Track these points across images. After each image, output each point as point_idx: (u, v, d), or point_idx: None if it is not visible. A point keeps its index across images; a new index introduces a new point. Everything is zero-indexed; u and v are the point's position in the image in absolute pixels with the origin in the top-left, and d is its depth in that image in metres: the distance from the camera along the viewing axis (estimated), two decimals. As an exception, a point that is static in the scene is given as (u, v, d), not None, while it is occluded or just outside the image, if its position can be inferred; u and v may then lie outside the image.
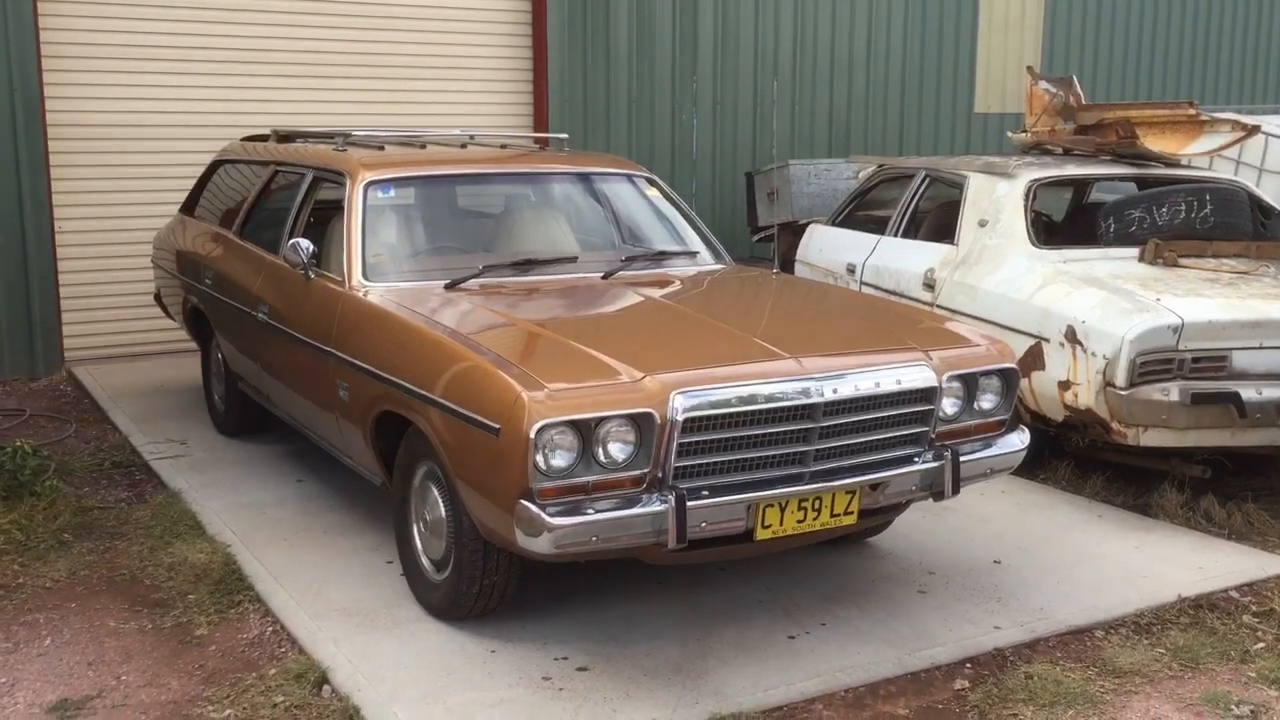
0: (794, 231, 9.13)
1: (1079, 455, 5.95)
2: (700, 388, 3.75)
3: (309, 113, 9.05)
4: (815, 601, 4.49)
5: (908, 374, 4.09)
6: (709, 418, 3.73)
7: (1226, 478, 5.78)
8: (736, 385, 3.80)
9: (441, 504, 4.16)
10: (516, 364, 3.79)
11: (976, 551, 5.02)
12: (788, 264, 8.53)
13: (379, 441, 4.55)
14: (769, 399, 3.81)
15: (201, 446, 6.51)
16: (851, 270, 7.32)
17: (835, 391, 3.91)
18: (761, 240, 10.07)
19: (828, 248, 7.76)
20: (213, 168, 7.20)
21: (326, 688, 3.83)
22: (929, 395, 4.12)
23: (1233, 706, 3.76)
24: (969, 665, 4.04)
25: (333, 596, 4.52)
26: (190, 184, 7.50)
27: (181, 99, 8.73)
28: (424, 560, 4.38)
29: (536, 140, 7.58)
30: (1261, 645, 4.20)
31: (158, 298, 7.76)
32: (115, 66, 8.51)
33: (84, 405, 7.60)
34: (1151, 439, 5.28)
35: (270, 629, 4.29)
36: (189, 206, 7.31)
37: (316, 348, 4.88)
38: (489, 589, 4.11)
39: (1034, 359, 5.64)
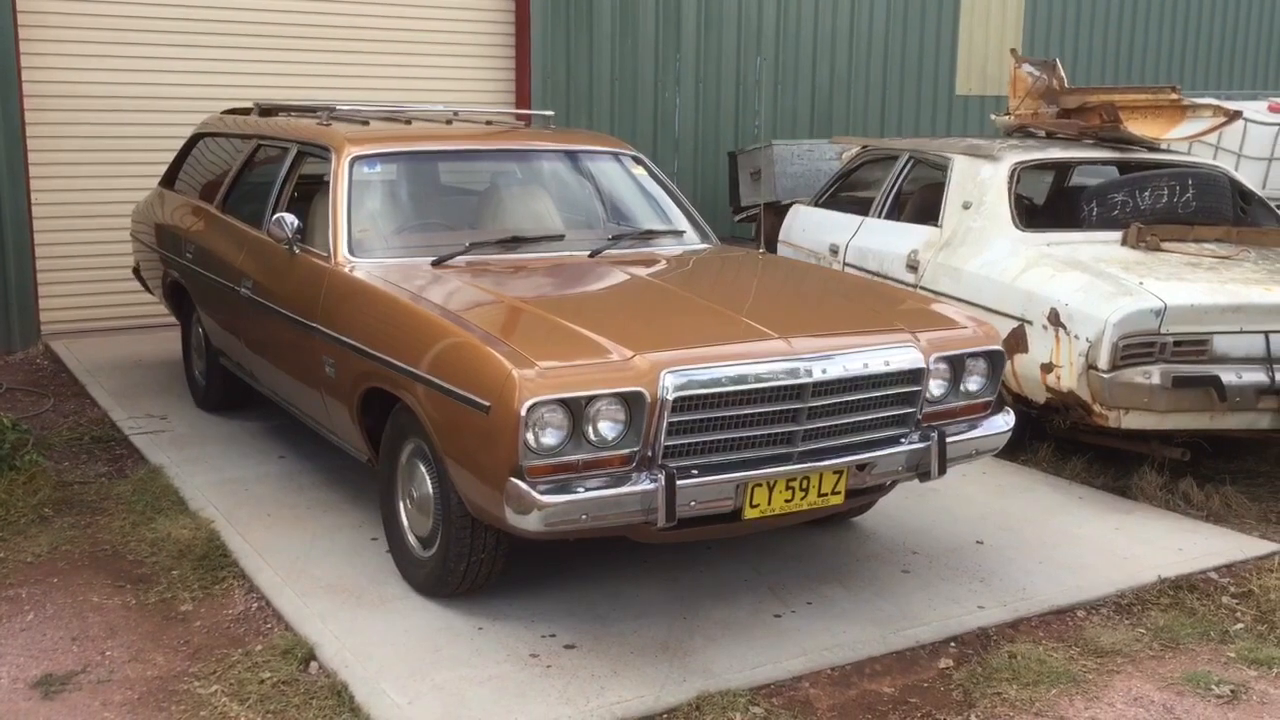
0: (776, 212, 9.13)
1: (1059, 437, 6.00)
2: (690, 367, 3.75)
3: (288, 86, 8.95)
4: (800, 580, 4.51)
5: (896, 355, 4.10)
6: (699, 397, 3.73)
7: (1204, 461, 5.84)
8: (726, 365, 3.80)
9: (429, 481, 4.16)
10: (507, 341, 3.78)
11: (959, 532, 5.06)
12: (770, 244, 8.53)
13: (365, 418, 4.53)
14: (759, 379, 3.81)
15: (182, 422, 6.47)
16: (835, 251, 7.33)
17: (824, 372, 3.91)
18: (743, 220, 10.07)
19: (811, 228, 7.77)
20: (193, 141, 7.13)
21: (313, 664, 3.82)
22: (916, 376, 4.14)
23: (1213, 686, 3.80)
24: (953, 644, 4.08)
25: (317, 573, 4.51)
26: (168, 157, 7.43)
27: (159, 70, 8.64)
28: (410, 537, 4.37)
29: (520, 117, 7.54)
30: (1240, 626, 4.26)
31: (136, 271, 7.69)
32: (93, 37, 8.41)
33: (61, 379, 7.53)
34: (1133, 421, 5.32)
35: (255, 605, 4.28)
36: (169, 180, 7.24)
37: (301, 323, 4.85)
38: (476, 566, 4.11)
39: (1017, 341, 5.66)
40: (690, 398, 3.72)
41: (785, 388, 3.86)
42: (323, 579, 4.46)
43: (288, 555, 4.67)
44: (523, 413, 3.52)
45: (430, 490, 4.16)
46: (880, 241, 6.96)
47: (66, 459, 5.89)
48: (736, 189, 10.04)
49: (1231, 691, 3.78)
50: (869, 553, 4.81)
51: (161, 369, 7.60)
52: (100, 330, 8.63)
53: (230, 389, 6.44)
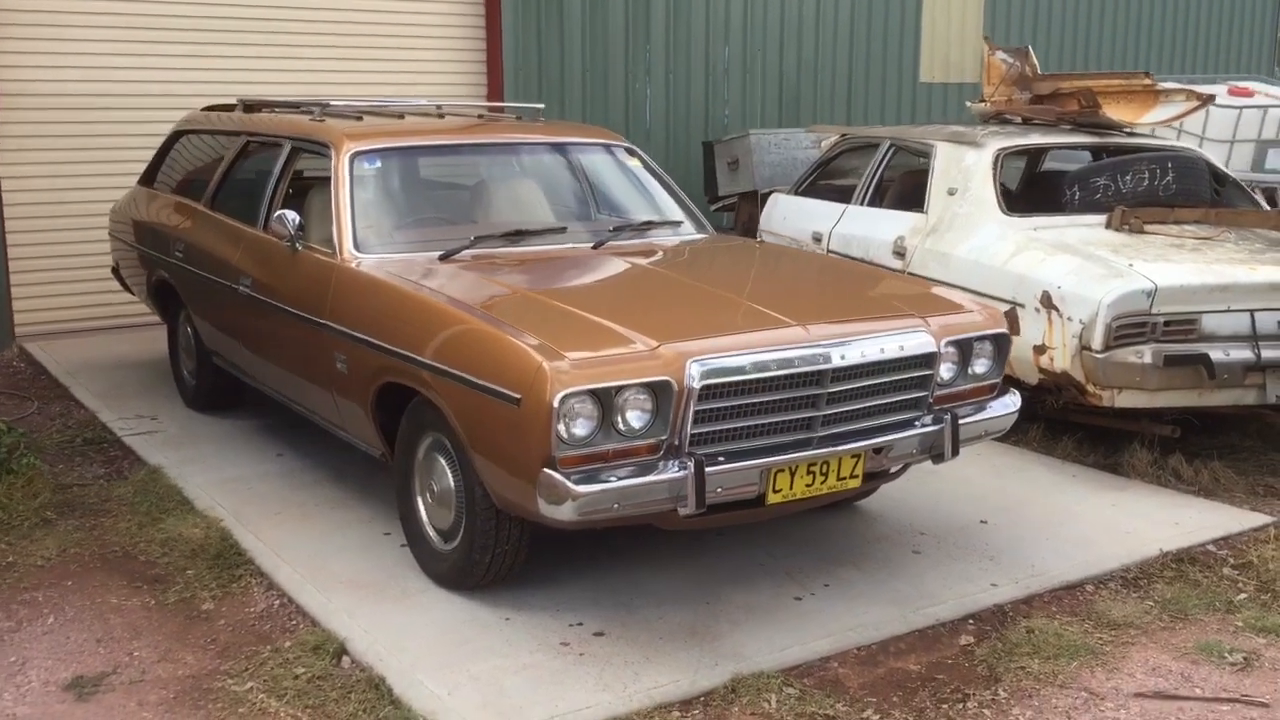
0: (754, 201, 9.22)
1: (1049, 417, 6.11)
2: (715, 355, 3.80)
3: (259, 82, 8.88)
4: (815, 564, 4.59)
5: (910, 340, 4.18)
6: (724, 385, 3.79)
7: (1190, 437, 5.97)
8: (749, 353, 3.86)
9: (450, 474, 4.18)
10: (534, 334, 3.80)
11: (962, 512, 5.15)
12: (749, 233, 8.61)
13: (379, 414, 4.54)
14: (781, 365, 3.87)
15: (173, 422, 6.42)
16: (818, 239, 7.40)
17: (843, 358, 3.98)
18: (720, 209, 10.13)
19: (792, 216, 7.84)
20: (173, 138, 7.07)
21: (346, 659, 3.84)
22: (929, 360, 4.22)
23: (1226, 654, 3.92)
24: (972, 621, 4.17)
25: (335, 569, 4.51)
26: (141, 155, 7.39)
27: (130, 67, 8.55)
28: (430, 531, 4.39)
29: (494, 109, 7.53)
30: (1244, 596, 4.38)
31: (115, 271, 7.61)
32: (65, 34, 8.30)
33: (42, 382, 7.44)
34: (1125, 400, 5.45)
35: (277, 602, 4.28)
36: (148, 178, 7.17)
37: (309, 320, 4.84)
38: (501, 557, 4.14)
39: (1009, 324, 5.75)
40: (716, 386, 3.77)
41: (806, 374, 3.92)
42: (342, 575, 4.46)
43: (302, 552, 4.67)
44: (555, 404, 3.56)
45: (452, 483, 4.18)
46: (865, 228, 7.04)
47: (60, 462, 5.83)
48: (714, 178, 10.10)
49: (1244, 659, 3.90)
50: (878, 535, 4.89)
51: (143, 369, 7.53)
52: (75, 331, 8.52)
53: (222, 388, 6.40)
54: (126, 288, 7.56)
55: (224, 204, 6.03)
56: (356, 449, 5.04)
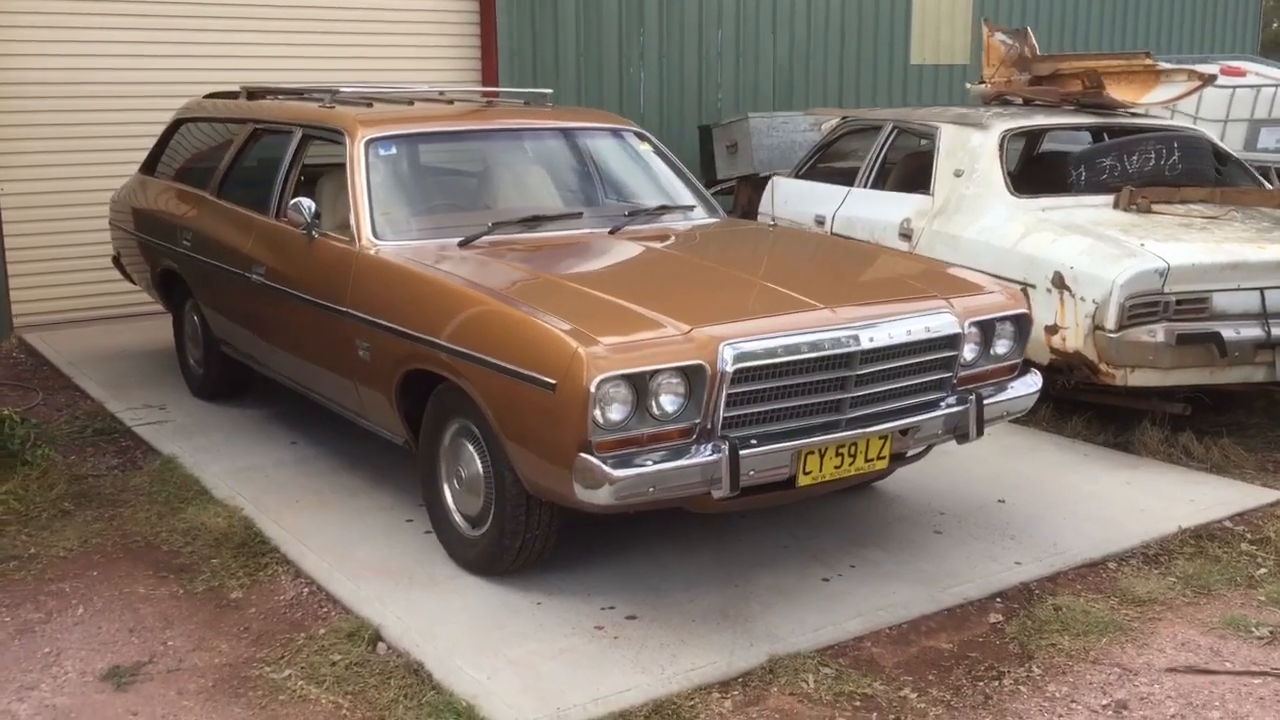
0: (753, 185, 9.23)
1: (1057, 396, 6.15)
2: (746, 339, 3.82)
3: (252, 70, 8.78)
4: (840, 545, 4.62)
5: (935, 321, 4.20)
6: (756, 368, 3.80)
7: (1198, 414, 6.02)
8: (780, 336, 3.87)
9: (478, 460, 4.18)
10: (566, 320, 3.80)
11: (979, 491, 5.19)
12: (748, 216, 8.62)
13: (403, 401, 4.53)
14: (811, 348, 3.89)
15: (181, 411, 6.39)
16: (820, 222, 7.42)
17: (871, 340, 4.00)
18: (718, 193, 10.13)
19: (793, 200, 7.85)
20: (175, 126, 7.02)
21: (381, 645, 3.85)
22: (954, 342, 4.25)
23: (1252, 628, 3.97)
24: (999, 599, 4.20)
25: (361, 556, 4.51)
26: (135, 144, 7.35)
27: (123, 55, 8.48)
28: (457, 518, 4.39)
29: (500, 95, 7.50)
30: (1264, 571, 4.44)
31: (116, 260, 7.56)
32: (57, 24, 8.23)
33: (44, 373, 7.40)
34: (1138, 379, 5.49)
35: (306, 590, 4.28)
36: (149, 166, 7.12)
37: (329, 309, 4.83)
38: (531, 543, 4.15)
39: (1020, 305, 5.79)
40: (748, 369, 3.79)
41: (835, 356, 3.94)
42: (368, 561, 4.47)
43: (326, 540, 4.67)
44: (592, 389, 3.56)
45: (480, 469, 4.18)
46: (869, 211, 7.06)
47: (73, 452, 5.80)
48: (712, 162, 10.10)
49: (1270, 633, 3.95)
50: (898, 515, 4.93)
51: (146, 358, 7.50)
52: (74, 321, 8.47)
53: (230, 377, 6.38)
54: (128, 277, 7.52)
55: (233, 192, 6.00)
56: (370, 436, 5.06)
